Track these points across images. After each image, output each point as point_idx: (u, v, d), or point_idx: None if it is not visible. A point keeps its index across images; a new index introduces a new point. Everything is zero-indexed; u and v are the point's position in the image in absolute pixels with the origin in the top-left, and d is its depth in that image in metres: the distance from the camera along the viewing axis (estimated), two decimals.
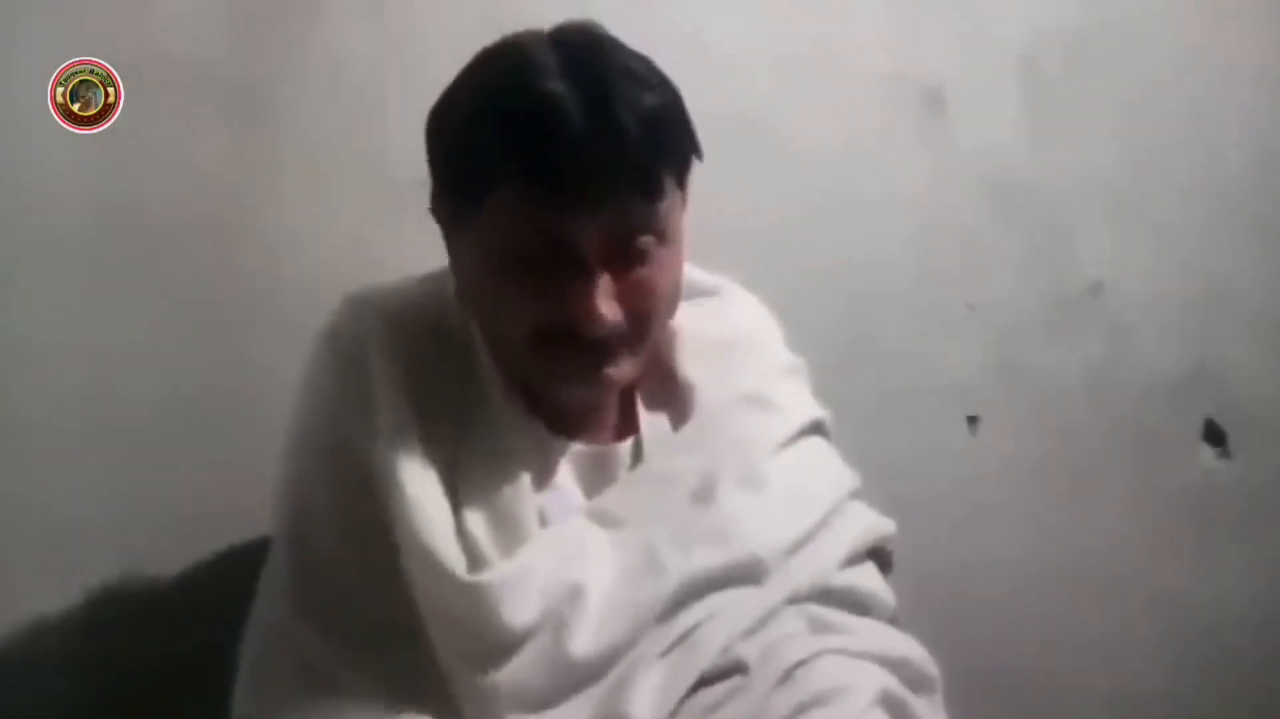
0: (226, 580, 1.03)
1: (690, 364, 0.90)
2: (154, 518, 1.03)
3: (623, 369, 0.81)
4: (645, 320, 0.81)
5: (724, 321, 0.94)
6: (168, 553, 1.04)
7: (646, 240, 0.78)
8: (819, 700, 0.74)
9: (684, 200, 0.84)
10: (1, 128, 0.98)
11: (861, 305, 1.29)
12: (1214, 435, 1.43)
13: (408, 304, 0.88)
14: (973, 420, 1.34)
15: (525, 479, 0.81)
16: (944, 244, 1.33)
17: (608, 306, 0.77)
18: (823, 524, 0.86)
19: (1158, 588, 1.39)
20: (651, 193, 0.78)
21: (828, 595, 0.83)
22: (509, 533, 0.79)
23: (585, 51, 0.78)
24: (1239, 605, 1.42)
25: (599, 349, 0.79)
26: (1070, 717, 1.36)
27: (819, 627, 0.81)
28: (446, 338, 0.86)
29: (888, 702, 0.77)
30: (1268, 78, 1.45)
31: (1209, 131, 1.43)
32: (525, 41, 0.79)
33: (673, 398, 0.90)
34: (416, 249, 1.06)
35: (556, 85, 0.74)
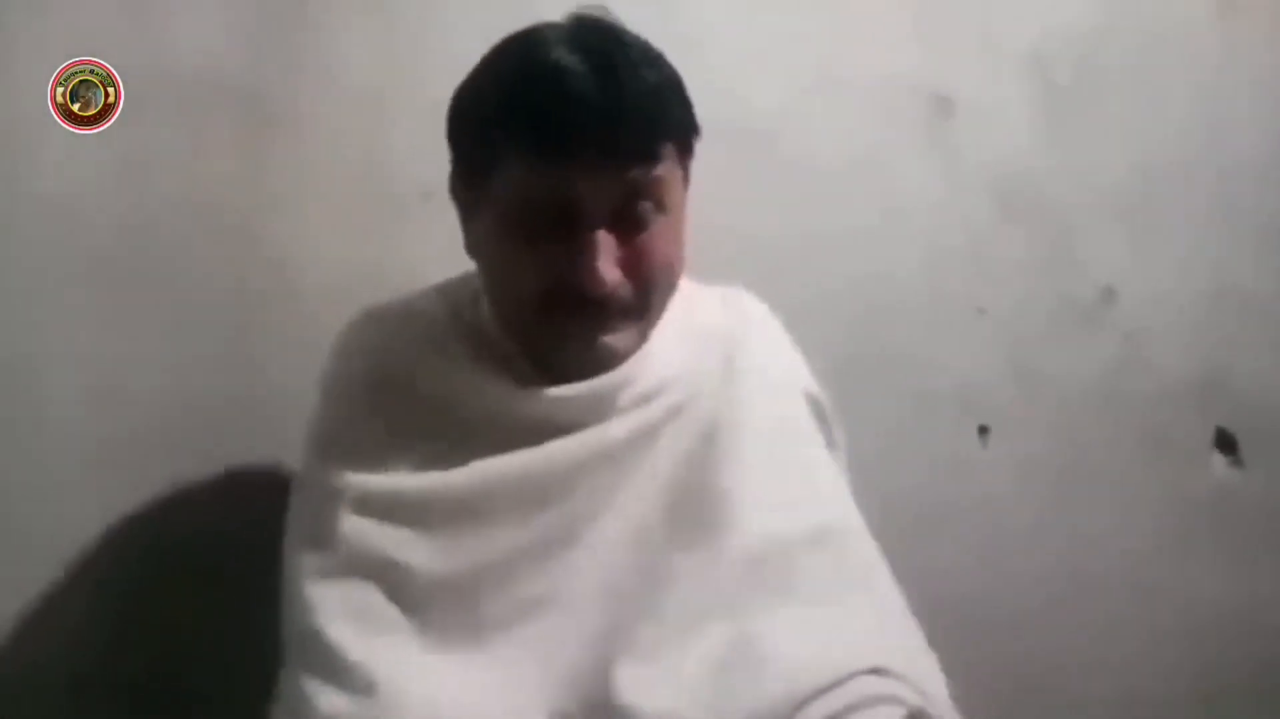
0: (237, 592, 1.03)
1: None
2: (163, 529, 1.03)
3: (622, 339, 0.84)
4: (645, 289, 0.84)
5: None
6: (178, 564, 1.03)
7: (646, 205, 0.81)
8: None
9: (685, 180, 0.87)
10: (12, 139, 0.98)
11: (871, 312, 1.29)
12: (1226, 443, 1.42)
13: (416, 312, 0.92)
14: (984, 430, 1.34)
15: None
16: (954, 250, 1.33)
17: (608, 267, 0.80)
18: None
19: (1171, 595, 1.39)
20: (652, 156, 0.81)
21: None
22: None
23: (594, 29, 0.82)
24: (1255, 612, 1.41)
25: (600, 312, 0.82)
26: None
27: None
28: (459, 331, 0.89)
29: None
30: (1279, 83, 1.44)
31: (1220, 137, 1.42)
32: (539, 25, 0.84)
33: None
34: (422, 258, 1.06)
35: (564, 55, 0.79)
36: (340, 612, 0.78)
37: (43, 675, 1.00)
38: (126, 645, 1.02)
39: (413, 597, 0.79)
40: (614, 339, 0.84)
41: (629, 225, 0.81)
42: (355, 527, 0.81)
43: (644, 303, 0.84)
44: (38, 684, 0.99)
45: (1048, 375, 1.36)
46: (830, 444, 0.95)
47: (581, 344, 0.83)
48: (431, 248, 1.03)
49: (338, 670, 0.76)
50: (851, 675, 0.77)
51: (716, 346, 0.92)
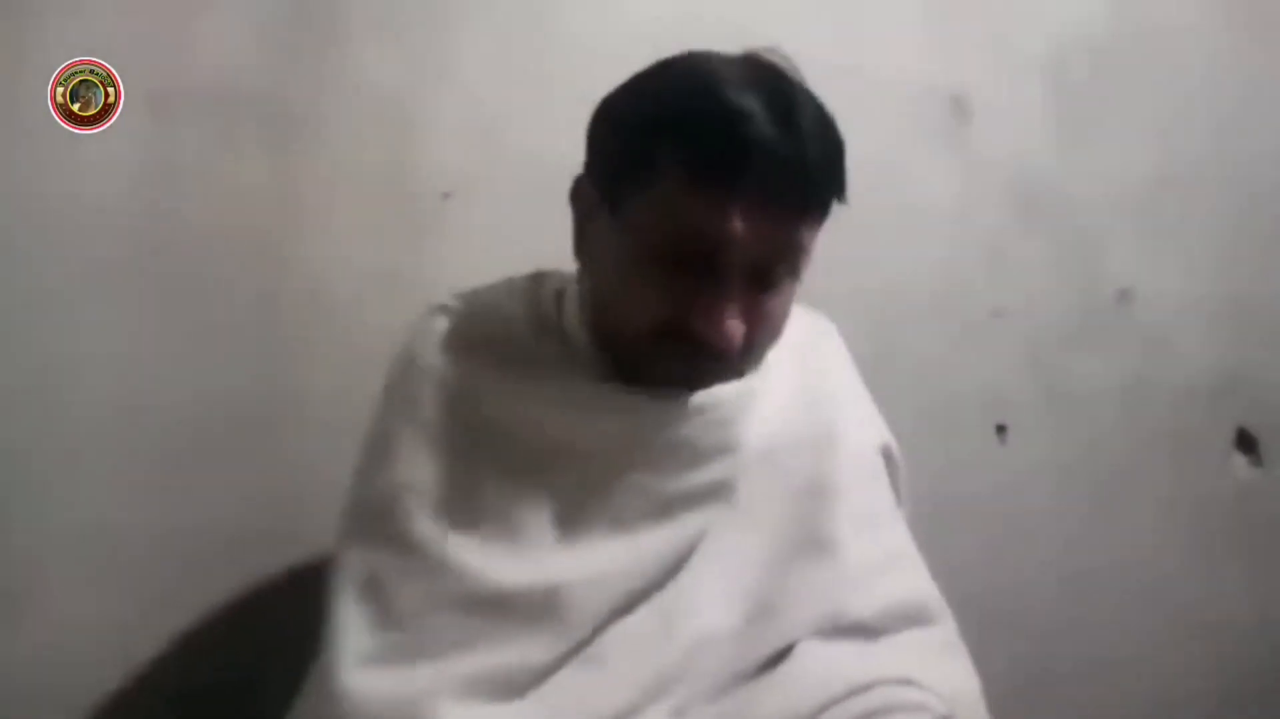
0: (258, 602, 1.04)
1: None
2: (189, 537, 1.04)
3: (721, 382, 0.82)
4: (757, 347, 0.82)
5: None
6: (201, 572, 1.05)
7: (784, 268, 0.79)
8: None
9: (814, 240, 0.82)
10: (41, 152, 1.00)
11: (889, 314, 1.29)
12: (1246, 443, 1.42)
13: (494, 310, 0.88)
14: (1002, 429, 1.34)
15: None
16: (971, 252, 1.33)
17: (736, 323, 0.78)
18: None
19: (1191, 596, 1.38)
20: (813, 218, 0.78)
21: None
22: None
23: (770, 75, 0.78)
24: (1276, 611, 1.40)
25: (713, 361, 0.80)
26: None
27: None
28: (542, 330, 0.87)
29: None
30: None
31: (1237, 139, 1.42)
32: (708, 57, 0.80)
33: None
34: (442, 257, 1.07)
35: (745, 98, 0.75)
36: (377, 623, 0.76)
37: (66, 675, 1.01)
38: (155, 647, 1.04)
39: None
40: (715, 381, 0.82)
41: (763, 283, 0.79)
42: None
43: (753, 357, 0.82)
44: (58, 685, 1.00)
45: (1066, 376, 1.36)
46: (897, 498, 0.94)
47: (683, 380, 0.81)
48: (451, 246, 1.04)
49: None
50: (877, 683, 0.77)
51: (812, 394, 0.90)
